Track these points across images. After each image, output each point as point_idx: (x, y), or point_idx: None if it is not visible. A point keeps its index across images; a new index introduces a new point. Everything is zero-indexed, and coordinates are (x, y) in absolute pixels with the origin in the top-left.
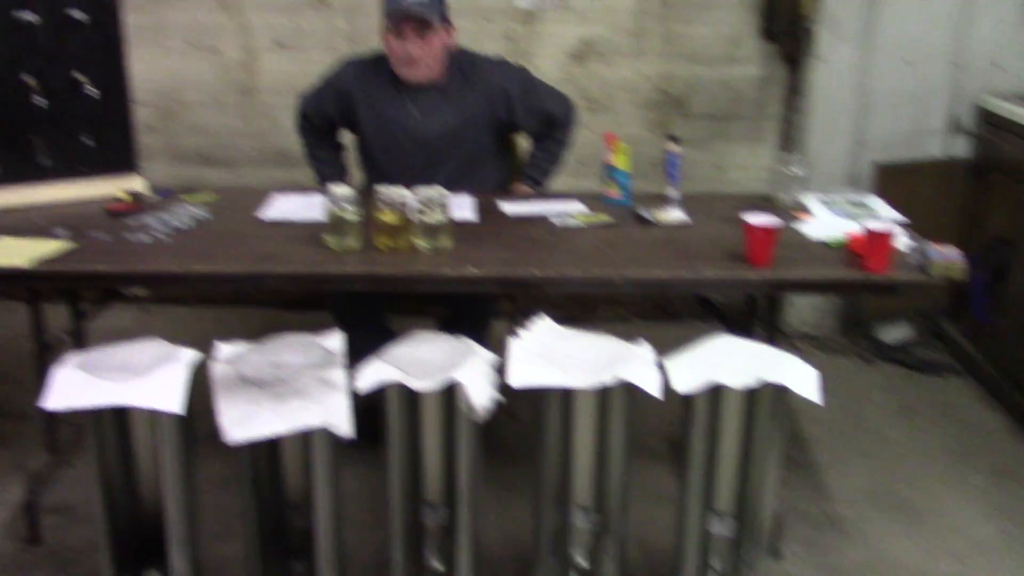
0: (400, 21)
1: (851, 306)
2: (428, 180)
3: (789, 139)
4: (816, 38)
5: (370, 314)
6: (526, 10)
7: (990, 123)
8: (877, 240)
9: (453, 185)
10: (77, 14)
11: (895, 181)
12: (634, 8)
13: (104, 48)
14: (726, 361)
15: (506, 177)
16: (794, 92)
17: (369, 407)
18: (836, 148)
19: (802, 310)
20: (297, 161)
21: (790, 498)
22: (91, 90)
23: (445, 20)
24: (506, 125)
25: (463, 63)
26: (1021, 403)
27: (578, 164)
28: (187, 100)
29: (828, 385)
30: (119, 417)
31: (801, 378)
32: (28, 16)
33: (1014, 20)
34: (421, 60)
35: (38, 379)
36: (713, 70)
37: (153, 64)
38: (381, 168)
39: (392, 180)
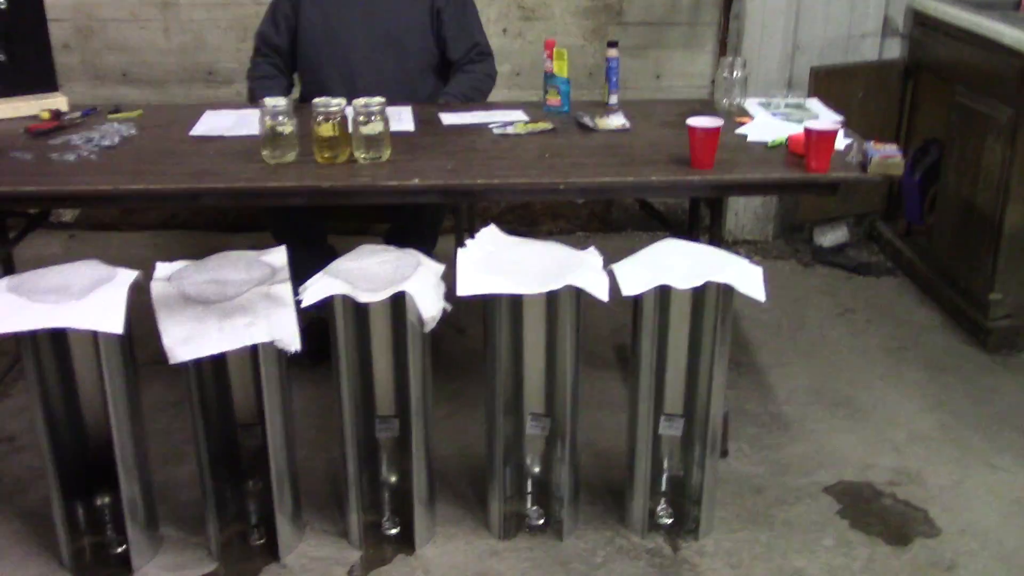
0: None
1: (788, 211)
2: (371, 76)
3: (726, 45)
4: None
5: (311, 234)
6: None
7: (922, 24)
8: (820, 140)
9: (394, 88)
10: None
11: (831, 85)
12: None
13: None
14: (673, 264)
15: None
16: None
17: (309, 325)
18: (772, 53)
19: (741, 216)
20: (225, 79)
21: (735, 399)
22: (1, 3)
23: None
24: (438, 25)
25: None
26: (954, 300)
27: (513, 75)
28: (104, 16)
29: (769, 289)
30: (57, 341)
31: (746, 277)
32: None
33: None
34: None
35: None
36: None
37: None
38: (323, 66)
39: (335, 79)
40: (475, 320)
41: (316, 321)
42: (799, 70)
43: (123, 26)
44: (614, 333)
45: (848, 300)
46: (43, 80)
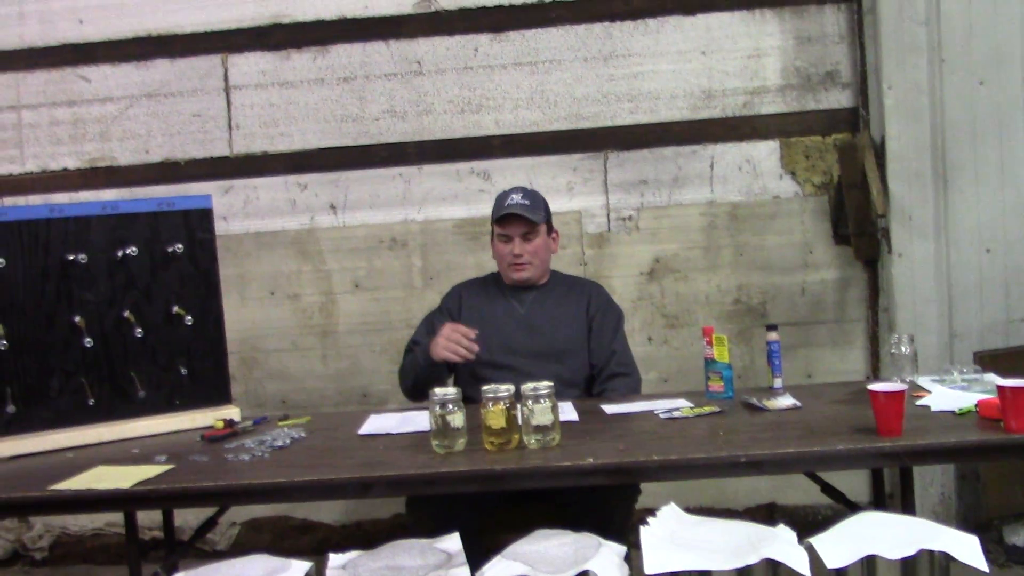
0: (508, 220)
1: (971, 508)
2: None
3: (878, 339)
4: (890, 236)
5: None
6: (597, 233)
7: None
8: (1018, 397)
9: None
10: (176, 248)
11: (998, 369)
12: (703, 224)
13: (199, 280)
14: (877, 535)
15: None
16: (875, 292)
17: None
18: (930, 342)
19: (918, 515)
20: (378, 400)
21: None
22: (188, 321)
23: (549, 224)
24: (591, 336)
25: (567, 278)
26: None
27: (661, 382)
28: (267, 347)
29: None
30: None
31: (963, 546)
32: (129, 250)
33: None
34: (526, 259)
35: None
36: (789, 277)
37: (235, 314)
38: (483, 378)
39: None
40: None
41: None
42: (960, 356)
43: (284, 355)
44: None
45: None
46: (218, 393)
